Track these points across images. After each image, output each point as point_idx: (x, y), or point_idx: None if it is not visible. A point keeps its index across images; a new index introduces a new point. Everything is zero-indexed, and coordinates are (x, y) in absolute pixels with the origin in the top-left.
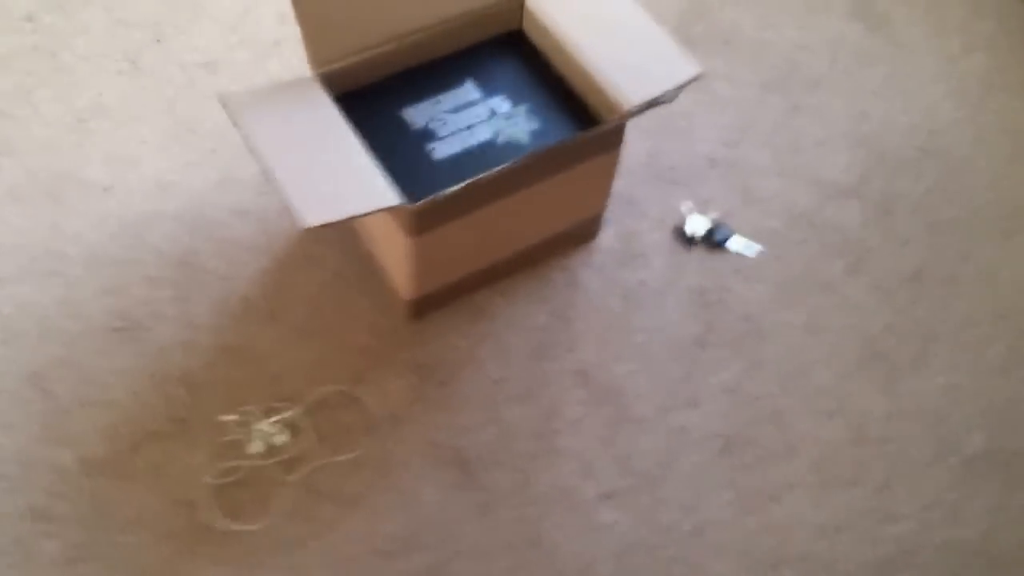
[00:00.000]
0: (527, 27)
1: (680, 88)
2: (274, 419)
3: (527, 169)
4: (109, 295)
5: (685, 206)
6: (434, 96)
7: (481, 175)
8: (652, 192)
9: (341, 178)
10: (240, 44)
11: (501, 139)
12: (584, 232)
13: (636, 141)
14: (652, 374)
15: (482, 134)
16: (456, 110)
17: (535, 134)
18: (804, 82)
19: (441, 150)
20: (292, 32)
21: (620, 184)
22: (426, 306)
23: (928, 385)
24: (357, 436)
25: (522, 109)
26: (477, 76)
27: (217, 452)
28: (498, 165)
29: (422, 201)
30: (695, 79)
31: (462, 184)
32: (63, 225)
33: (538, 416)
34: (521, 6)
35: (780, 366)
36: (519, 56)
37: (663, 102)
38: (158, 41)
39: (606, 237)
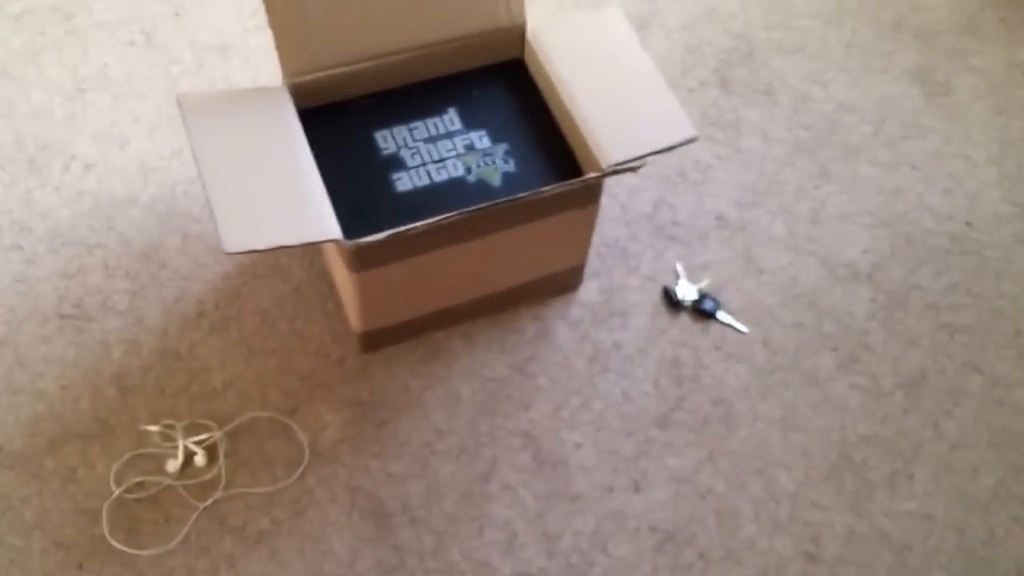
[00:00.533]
0: (527, 58)
1: (670, 148)
2: (198, 438)
3: (486, 218)
4: (65, 278)
5: (680, 267)
6: (412, 121)
7: (426, 221)
8: (649, 246)
9: (282, 202)
10: (256, 30)
11: (472, 177)
12: (563, 282)
13: (643, 188)
14: (602, 448)
15: (454, 169)
16: (431, 139)
17: (508, 177)
18: (841, 146)
19: (406, 181)
20: None
21: (616, 232)
22: (378, 340)
23: (900, 508)
24: (279, 469)
25: (501, 148)
26: (462, 105)
27: (134, 463)
28: (463, 206)
29: (362, 240)
30: (687, 143)
31: (401, 229)
32: (37, 197)
33: (473, 476)
34: (522, 35)
35: (741, 461)
36: (512, 88)
37: (635, 168)
38: (176, 15)
39: (589, 289)
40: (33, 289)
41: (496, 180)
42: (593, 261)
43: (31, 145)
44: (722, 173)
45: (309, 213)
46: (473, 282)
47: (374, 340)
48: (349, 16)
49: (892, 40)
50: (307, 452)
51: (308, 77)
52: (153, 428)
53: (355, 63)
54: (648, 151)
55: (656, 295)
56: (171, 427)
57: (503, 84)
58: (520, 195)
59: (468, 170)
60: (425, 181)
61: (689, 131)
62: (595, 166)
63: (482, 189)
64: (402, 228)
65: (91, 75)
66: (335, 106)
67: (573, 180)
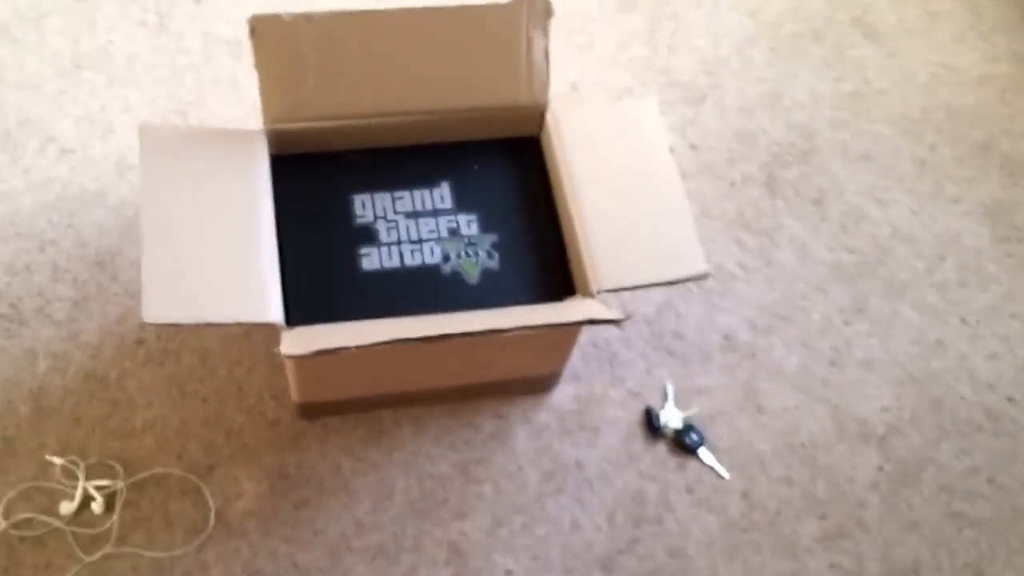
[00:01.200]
0: (544, 139)
1: (674, 282)
2: (100, 483)
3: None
4: (9, 273)
5: (670, 387)
6: (398, 189)
7: (360, 343)
8: (642, 356)
9: (223, 270)
10: None
11: (448, 268)
12: (534, 384)
13: (651, 290)
14: None
15: (430, 255)
16: (414, 215)
17: (488, 275)
18: (886, 280)
19: (374, 259)
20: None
21: (610, 332)
22: (318, 411)
23: None
24: (179, 533)
25: (488, 239)
26: (459, 180)
27: (29, 495)
28: (430, 300)
29: (285, 351)
30: (695, 279)
31: (329, 347)
32: (3, 177)
33: None
34: (542, 114)
35: None
36: (519, 169)
37: (616, 322)
38: (198, 1)
39: (564, 393)
40: None
41: (473, 276)
42: (575, 362)
43: (11, 117)
44: (743, 286)
45: (250, 287)
46: (429, 375)
47: (313, 411)
48: (351, 67)
49: (974, 165)
50: (212, 520)
51: (292, 125)
52: (57, 461)
53: (349, 118)
54: (647, 282)
55: (636, 414)
56: (75, 464)
57: (510, 163)
58: (478, 330)
59: (446, 258)
60: (395, 263)
61: (700, 266)
62: (586, 284)
63: (455, 285)
64: (330, 347)
65: (92, 51)
66: (318, 156)
67: (544, 317)
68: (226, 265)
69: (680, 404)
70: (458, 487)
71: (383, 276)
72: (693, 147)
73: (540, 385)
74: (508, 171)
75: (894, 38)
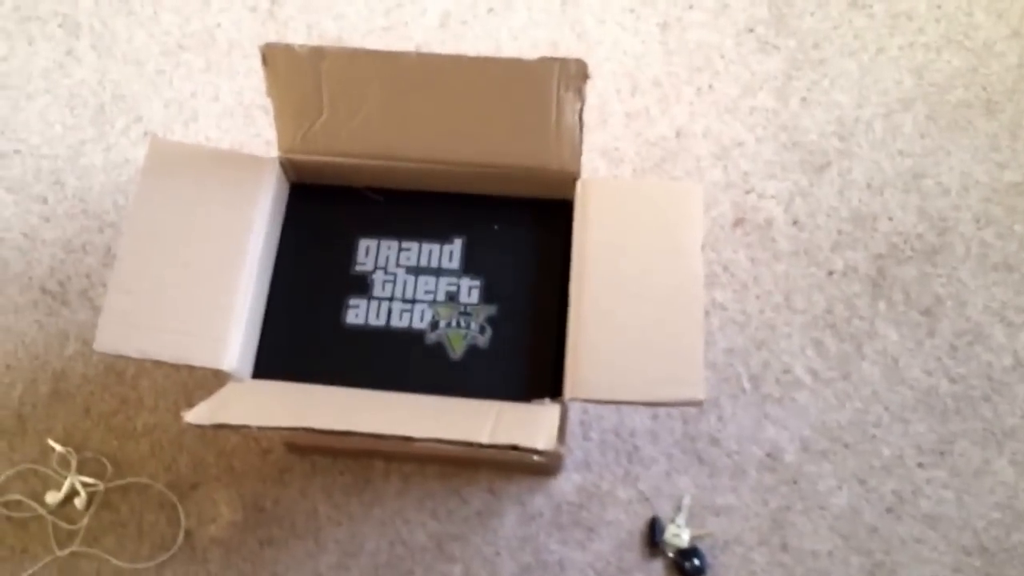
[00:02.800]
0: (575, 204)
1: (659, 404)
2: (89, 479)
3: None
4: (67, 251)
5: (687, 500)
6: (407, 239)
7: (267, 425)
8: (666, 456)
9: (189, 305)
10: (382, 31)
11: (433, 337)
12: (535, 465)
13: None
14: None
15: (419, 318)
16: (416, 270)
17: (472, 353)
18: (987, 423)
19: (360, 314)
20: (444, 39)
21: (638, 422)
22: (309, 449)
23: None
24: (146, 547)
25: (486, 311)
26: (474, 239)
27: (25, 477)
28: (406, 371)
29: (208, 421)
30: (685, 404)
31: (240, 424)
32: (86, 151)
33: None
34: (574, 180)
35: None
36: (540, 234)
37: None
38: None
39: (568, 481)
40: (35, 250)
41: (457, 351)
42: (591, 448)
43: (108, 92)
44: (808, 398)
45: (212, 329)
46: (400, 447)
47: (301, 449)
48: (367, 106)
49: None
50: (181, 540)
51: (306, 156)
52: (57, 448)
53: (363, 157)
54: (627, 399)
55: (640, 522)
56: (71, 454)
57: (533, 227)
58: (385, 434)
59: (434, 325)
60: (380, 322)
61: (695, 392)
62: (573, 391)
63: (435, 357)
64: (231, 423)
65: (197, 32)
66: (334, 189)
67: (465, 431)
68: (194, 301)
69: (693, 521)
70: (427, 561)
71: (364, 334)
72: (796, 222)
73: (542, 467)
74: (529, 236)
75: None
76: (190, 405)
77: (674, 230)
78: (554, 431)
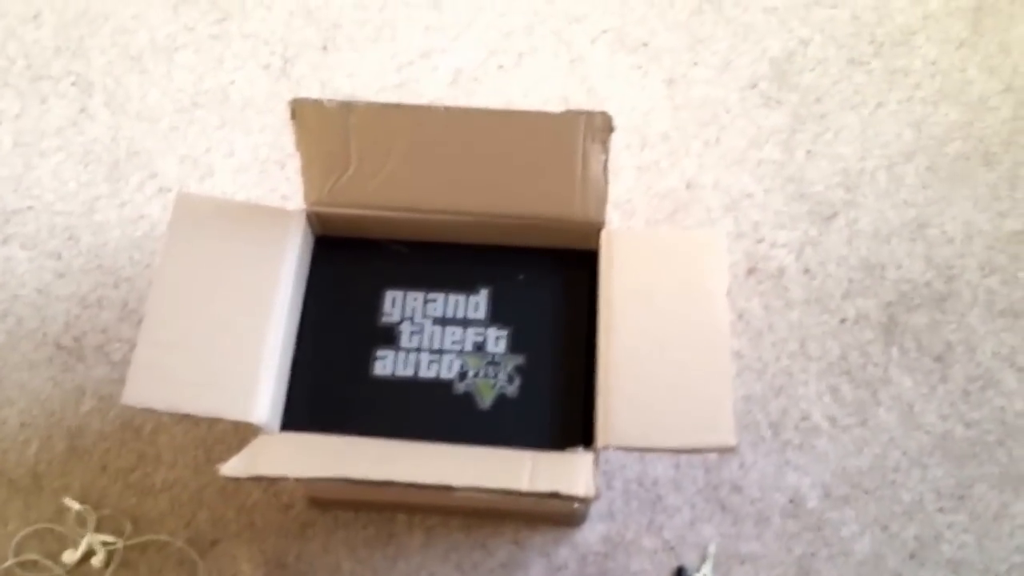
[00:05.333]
0: (600, 254)
1: (694, 451)
2: (107, 538)
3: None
4: (82, 306)
5: (712, 548)
6: (433, 290)
7: (305, 476)
8: (690, 504)
9: (218, 358)
10: (396, 88)
11: (462, 387)
12: (560, 516)
13: None
14: None
15: (447, 369)
16: (443, 321)
17: (502, 403)
18: (1001, 467)
19: (388, 365)
20: (456, 95)
21: (661, 471)
22: (331, 504)
23: None
24: None
25: (514, 360)
26: (499, 289)
27: (41, 535)
28: (433, 420)
29: (239, 473)
30: (718, 451)
31: (278, 475)
32: (101, 207)
33: None
34: (599, 230)
35: None
36: (567, 286)
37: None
38: (324, 49)
39: (593, 531)
40: (49, 306)
41: (486, 401)
42: (615, 498)
43: (123, 148)
44: (827, 444)
45: (241, 382)
46: (430, 498)
47: (324, 503)
48: (394, 159)
49: None
50: None
51: (333, 209)
52: (74, 506)
53: (390, 209)
54: (662, 446)
55: (666, 571)
56: (89, 512)
57: (559, 277)
58: (426, 483)
59: (463, 375)
60: (408, 372)
61: (727, 437)
62: (604, 437)
63: (464, 407)
64: (269, 475)
65: (212, 89)
66: (360, 241)
67: (507, 480)
68: (223, 354)
69: (719, 569)
70: None
71: (392, 385)
72: (807, 271)
73: (567, 518)
74: (554, 286)
75: None
76: (209, 460)
77: (699, 277)
78: (591, 477)
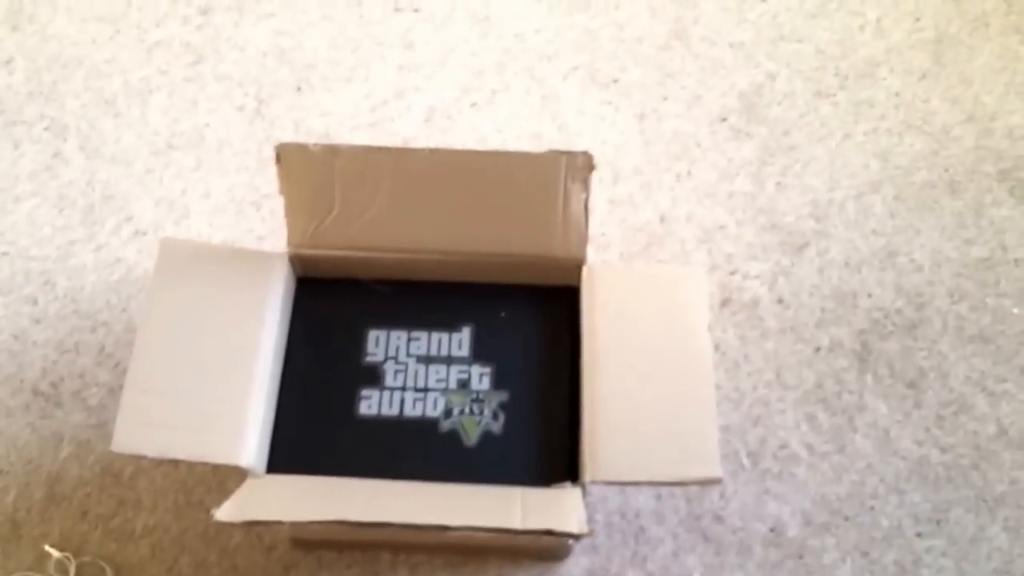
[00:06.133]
0: (582, 290)
1: (679, 483)
2: None
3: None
4: (59, 351)
5: None
6: (416, 329)
7: (300, 519)
8: (672, 535)
9: (205, 402)
10: (370, 127)
11: (447, 425)
12: (544, 551)
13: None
14: None
15: (432, 407)
16: (427, 359)
17: (487, 439)
18: (978, 491)
19: (373, 405)
20: (430, 133)
21: (642, 502)
22: (314, 544)
23: None
24: None
25: (498, 397)
26: (482, 326)
27: None
28: (419, 460)
29: (229, 519)
30: (705, 483)
31: (272, 520)
32: (76, 251)
33: None
34: (580, 267)
35: None
36: (549, 322)
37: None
38: (299, 89)
39: (576, 565)
40: (26, 352)
41: (472, 438)
42: (598, 531)
43: (98, 192)
44: (806, 472)
45: (229, 425)
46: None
47: (307, 544)
48: (378, 201)
49: None
50: None
51: (316, 251)
52: (54, 553)
53: (374, 250)
54: (648, 479)
55: None
56: (69, 560)
57: (540, 313)
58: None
59: (447, 413)
60: (393, 411)
61: (713, 469)
62: (592, 471)
63: (451, 445)
64: (263, 519)
65: (187, 131)
66: (343, 281)
67: (498, 518)
68: (210, 398)
69: None
70: None
71: (378, 424)
72: (781, 301)
73: (551, 553)
74: (537, 322)
75: None
76: (190, 503)
77: (680, 312)
78: (583, 513)
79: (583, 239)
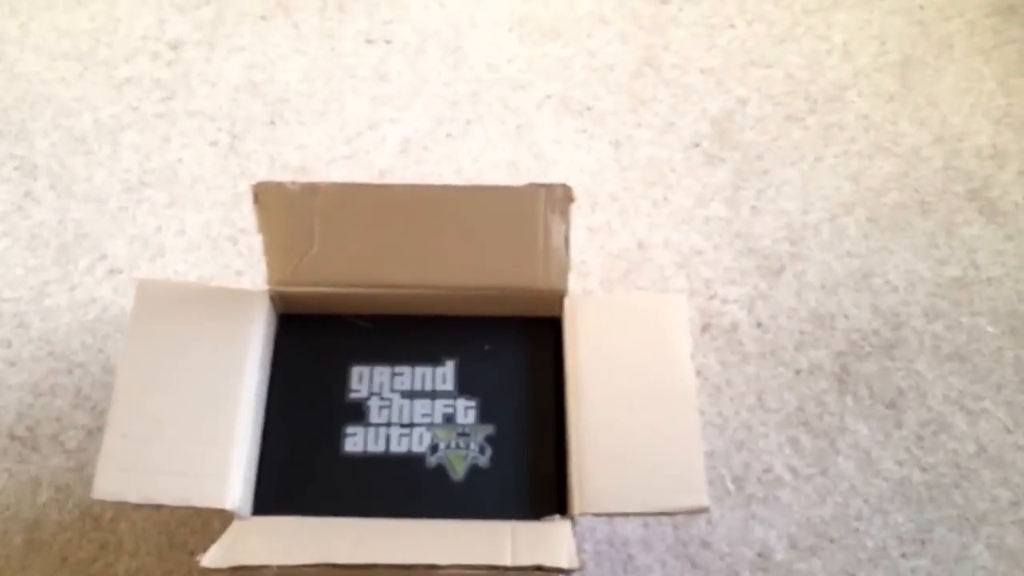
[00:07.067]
0: (564, 323)
1: (666, 513)
2: None
3: None
4: (34, 394)
5: None
6: (399, 364)
7: (288, 563)
8: (660, 563)
9: (188, 445)
10: (345, 159)
11: (434, 460)
12: None
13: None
14: None
15: (418, 443)
16: (411, 395)
17: (475, 473)
18: (960, 509)
19: (358, 442)
20: (406, 164)
21: (629, 531)
22: None
23: None
24: None
25: (484, 430)
26: (466, 360)
27: None
28: (405, 496)
29: (215, 566)
30: (692, 512)
31: (260, 564)
32: (50, 292)
33: None
34: (561, 298)
35: None
36: (533, 353)
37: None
38: (272, 123)
39: None
40: (0, 397)
41: (459, 472)
42: (587, 561)
43: (70, 231)
44: (790, 495)
45: (213, 468)
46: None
47: None
48: (358, 237)
49: None
50: None
51: (297, 289)
52: None
53: (355, 286)
54: (637, 510)
55: None
56: None
57: (524, 345)
58: (411, 563)
59: (434, 448)
60: (379, 448)
61: (700, 499)
62: (580, 504)
63: (438, 480)
64: (250, 564)
65: (159, 168)
66: (325, 317)
67: (489, 555)
68: (193, 441)
69: None
70: None
71: (364, 461)
72: (760, 325)
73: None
74: (520, 354)
75: (1015, 219)
76: (172, 545)
77: (663, 341)
78: (573, 548)
79: (564, 271)
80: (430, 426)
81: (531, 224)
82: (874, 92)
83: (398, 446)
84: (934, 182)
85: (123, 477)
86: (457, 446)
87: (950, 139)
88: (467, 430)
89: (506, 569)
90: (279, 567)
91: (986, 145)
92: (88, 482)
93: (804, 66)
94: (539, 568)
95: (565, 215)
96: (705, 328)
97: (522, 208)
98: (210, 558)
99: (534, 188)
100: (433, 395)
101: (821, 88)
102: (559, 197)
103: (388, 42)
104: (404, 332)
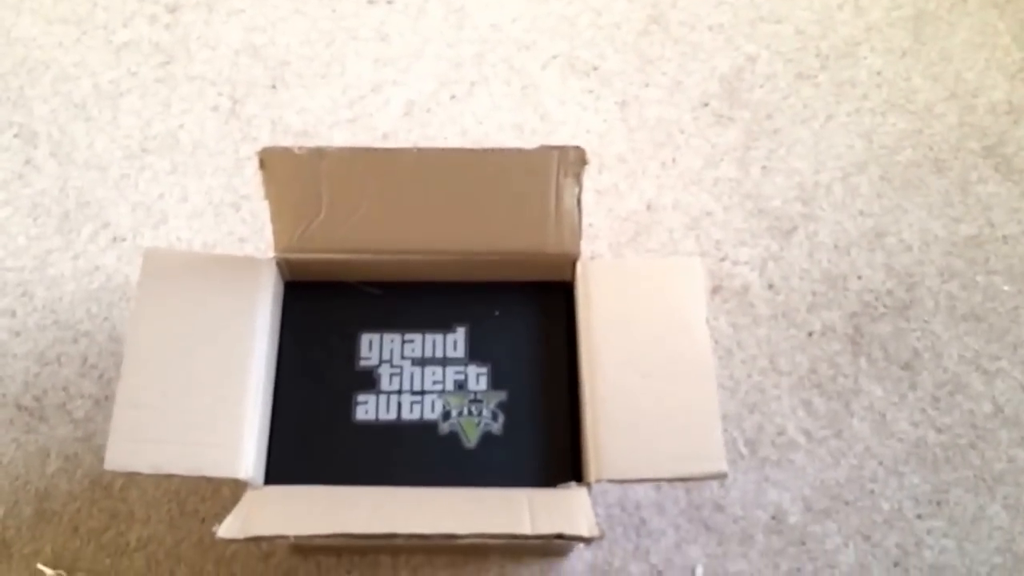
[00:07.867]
0: (575, 287)
1: (686, 479)
2: None
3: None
4: (40, 364)
5: (700, 571)
6: (409, 331)
7: (303, 532)
8: (674, 527)
9: (199, 415)
10: (349, 123)
11: (446, 427)
12: (546, 549)
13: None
14: None
15: (430, 410)
16: (422, 362)
17: (487, 440)
18: (977, 470)
19: (370, 409)
20: (410, 127)
21: (642, 495)
22: (313, 550)
23: None
24: None
25: (496, 397)
26: (476, 326)
27: None
28: (419, 463)
29: (228, 536)
30: (710, 478)
31: (275, 535)
32: (53, 261)
33: None
34: (574, 262)
35: None
36: (544, 318)
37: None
38: (273, 87)
39: (580, 559)
40: (6, 366)
41: (472, 439)
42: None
43: (72, 199)
44: (804, 458)
45: (225, 438)
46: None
47: (307, 549)
48: (366, 202)
49: None
50: None
51: (304, 255)
52: (48, 572)
53: (363, 252)
54: (654, 476)
55: None
56: None
57: (535, 310)
58: (430, 533)
59: (446, 415)
60: (391, 416)
61: (718, 465)
62: (594, 471)
63: (451, 447)
64: (266, 534)
65: (161, 134)
66: (334, 284)
67: (508, 524)
68: (204, 410)
69: None
70: None
71: (376, 429)
72: (771, 287)
73: (553, 549)
74: (531, 320)
75: None
76: (184, 513)
77: (677, 305)
78: (592, 515)
79: (576, 234)
80: (442, 393)
81: (543, 188)
82: (886, 48)
83: (410, 413)
84: (948, 139)
85: (134, 448)
86: (469, 412)
87: (964, 95)
88: (479, 397)
89: (526, 537)
90: (296, 537)
91: (1001, 101)
92: (97, 451)
93: (815, 21)
94: (560, 536)
95: (578, 178)
96: (716, 290)
97: (534, 171)
98: (226, 528)
99: (547, 151)
100: (444, 362)
101: (832, 44)
102: (572, 160)
103: (389, 2)
104: (413, 299)
